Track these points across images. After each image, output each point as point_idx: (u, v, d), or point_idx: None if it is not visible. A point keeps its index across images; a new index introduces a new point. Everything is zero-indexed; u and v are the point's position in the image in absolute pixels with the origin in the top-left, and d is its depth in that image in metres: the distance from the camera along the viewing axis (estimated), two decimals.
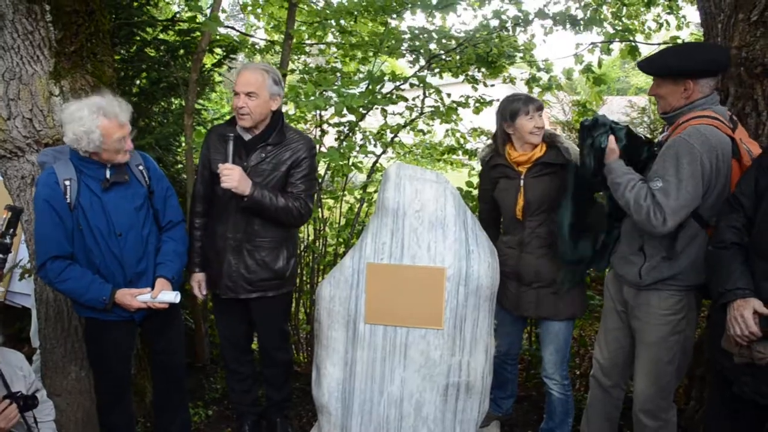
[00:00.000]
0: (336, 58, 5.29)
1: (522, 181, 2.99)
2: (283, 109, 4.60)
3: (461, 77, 4.90)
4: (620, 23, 4.65)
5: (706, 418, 2.67)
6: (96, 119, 2.57)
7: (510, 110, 2.96)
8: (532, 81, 4.81)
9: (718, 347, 2.23)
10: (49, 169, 2.69)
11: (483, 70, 4.78)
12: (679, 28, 4.96)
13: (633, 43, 4.51)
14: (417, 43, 4.74)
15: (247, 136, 3.00)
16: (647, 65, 2.60)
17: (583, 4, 4.99)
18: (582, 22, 4.32)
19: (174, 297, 2.81)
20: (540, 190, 2.96)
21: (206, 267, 3.19)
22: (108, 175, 2.72)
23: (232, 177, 2.82)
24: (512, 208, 3.03)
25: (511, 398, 3.43)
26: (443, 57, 4.80)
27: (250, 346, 3.50)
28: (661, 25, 4.93)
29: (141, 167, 2.86)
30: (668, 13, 4.90)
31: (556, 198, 2.91)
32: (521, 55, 4.80)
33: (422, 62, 4.80)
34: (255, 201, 2.88)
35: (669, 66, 2.50)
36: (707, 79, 2.48)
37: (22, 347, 4.16)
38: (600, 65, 4.75)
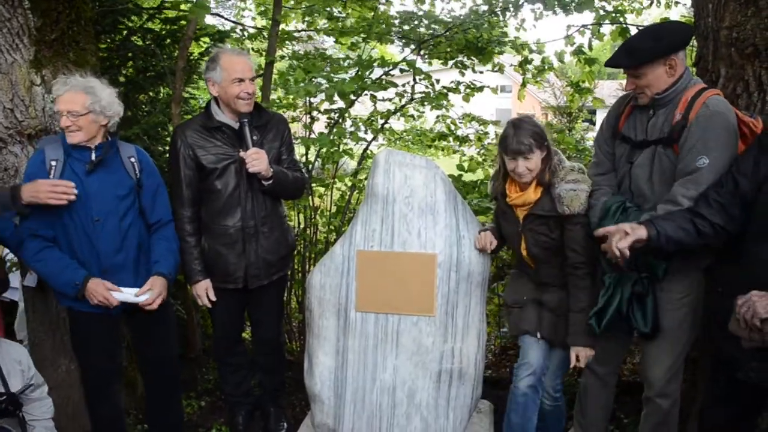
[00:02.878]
0: (323, 40, 5.22)
1: (521, 230, 2.75)
2: (273, 96, 4.60)
3: (451, 63, 4.86)
4: (610, 3, 4.61)
5: (702, 404, 2.66)
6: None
7: (501, 137, 2.71)
8: (524, 63, 4.76)
9: (720, 331, 2.20)
10: (40, 149, 2.73)
11: (473, 58, 4.74)
12: (668, 6, 4.92)
13: (623, 25, 4.47)
14: (406, 28, 4.70)
15: (235, 125, 2.94)
16: (627, 57, 2.50)
17: None
18: (573, 5, 4.27)
19: (131, 297, 2.71)
20: (541, 245, 2.72)
21: (212, 270, 3.06)
22: (93, 157, 2.69)
23: (262, 160, 2.84)
24: (519, 254, 2.82)
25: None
26: (432, 43, 4.76)
27: (242, 336, 3.48)
28: (652, 2, 4.88)
29: (132, 159, 2.81)
30: None
31: (562, 245, 2.68)
32: (510, 44, 4.76)
33: (412, 47, 4.75)
34: (278, 180, 2.95)
35: (653, 48, 2.44)
36: (682, 50, 2.49)
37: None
38: (591, 48, 4.71)
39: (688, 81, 2.49)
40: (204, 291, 3.05)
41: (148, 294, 2.74)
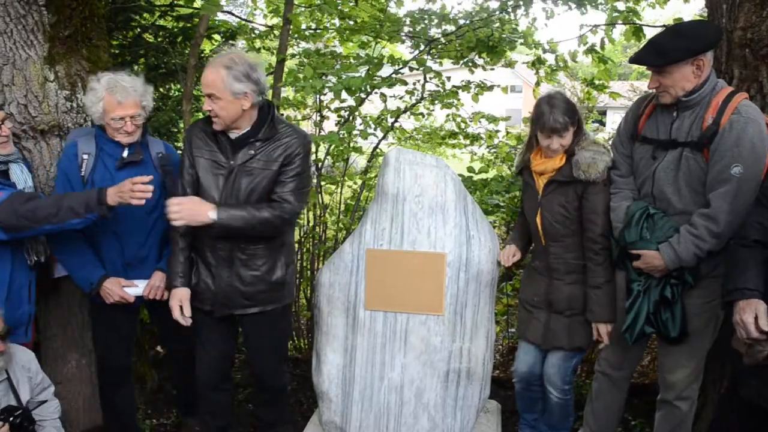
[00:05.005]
0: (335, 38, 5.23)
1: (539, 200, 2.79)
2: (282, 94, 4.60)
3: (461, 63, 4.85)
4: (624, 2, 4.57)
5: (715, 414, 2.63)
6: (102, 92, 2.66)
7: (535, 113, 2.72)
8: (537, 63, 4.74)
9: (728, 345, 2.15)
10: (73, 141, 2.80)
11: (484, 56, 4.73)
12: (686, 0, 4.85)
13: (637, 25, 4.44)
14: (418, 28, 4.69)
15: (234, 134, 2.64)
16: (658, 56, 2.46)
17: None
18: (586, 1, 4.25)
19: (141, 291, 2.81)
20: (556, 215, 2.74)
21: (194, 281, 2.77)
22: (125, 154, 2.76)
23: (182, 211, 2.48)
24: (535, 229, 2.85)
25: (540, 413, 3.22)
26: (443, 41, 4.75)
27: (231, 372, 3.12)
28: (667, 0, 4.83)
29: (161, 155, 2.87)
30: None
31: (577, 221, 2.73)
32: (521, 41, 4.75)
33: (422, 47, 4.75)
34: (224, 226, 2.54)
35: (683, 48, 2.41)
36: (711, 51, 2.46)
37: None
38: (603, 47, 4.68)
39: (714, 84, 2.47)
40: (177, 302, 2.69)
41: (141, 288, 2.81)
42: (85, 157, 2.72)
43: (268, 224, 2.60)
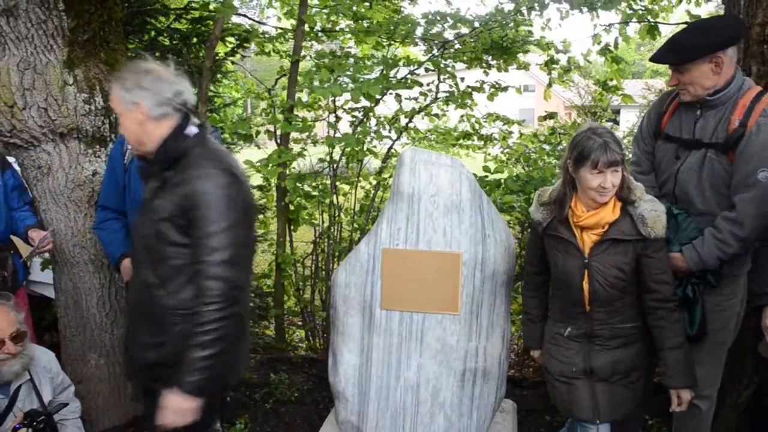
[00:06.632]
0: (350, 38, 5.25)
1: (587, 262, 2.35)
2: (297, 96, 4.62)
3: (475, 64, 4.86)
4: (638, 2, 4.55)
5: (738, 422, 2.60)
6: None
7: (579, 150, 2.26)
8: (550, 63, 4.73)
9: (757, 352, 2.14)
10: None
11: (498, 60, 4.74)
12: (698, 4, 4.82)
13: (651, 23, 4.42)
14: (432, 31, 4.71)
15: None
16: (671, 55, 2.45)
17: None
18: (599, 3, 4.23)
19: None
20: (610, 278, 2.32)
21: None
22: None
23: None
24: (576, 294, 2.39)
25: None
26: (456, 43, 4.76)
27: None
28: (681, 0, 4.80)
29: None
30: None
31: (633, 283, 2.36)
32: (536, 42, 4.75)
33: (434, 53, 4.77)
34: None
35: (698, 45, 2.38)
36: (733, 48, 2.41)
37: (41, 336, 4.20)
38: (616, 46, 4.67)
39: (741, 83, 2.42)
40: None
41: None
42: (129, 147, 2.87)
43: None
